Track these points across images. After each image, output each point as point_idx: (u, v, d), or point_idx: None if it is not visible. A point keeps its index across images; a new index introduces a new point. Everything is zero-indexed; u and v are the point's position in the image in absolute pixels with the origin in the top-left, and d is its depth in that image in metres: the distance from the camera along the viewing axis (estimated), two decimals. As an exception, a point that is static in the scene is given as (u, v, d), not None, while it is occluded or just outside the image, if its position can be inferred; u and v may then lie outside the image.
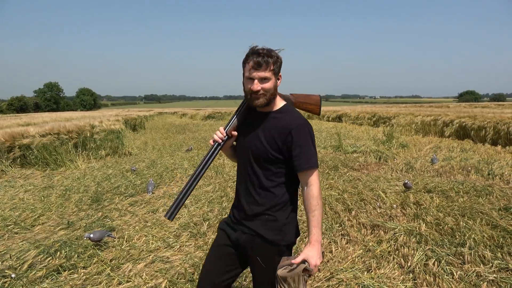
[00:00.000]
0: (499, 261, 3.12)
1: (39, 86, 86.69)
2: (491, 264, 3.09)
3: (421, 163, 7.48)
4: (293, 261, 1.60)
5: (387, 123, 15.75)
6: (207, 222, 4.33)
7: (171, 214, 1.75)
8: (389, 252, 3.45)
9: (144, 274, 3.12)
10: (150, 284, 2.95)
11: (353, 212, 4.53)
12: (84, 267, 3.27)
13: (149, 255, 3.51)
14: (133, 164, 8.46)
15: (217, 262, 1.82)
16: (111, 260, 3.42)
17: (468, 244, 3.41)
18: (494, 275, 2.92)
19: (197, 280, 1.95)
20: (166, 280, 2.99)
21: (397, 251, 3.44)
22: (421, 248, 3.39)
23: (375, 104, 57.86)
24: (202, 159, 1.80)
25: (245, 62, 1.69)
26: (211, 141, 1.82)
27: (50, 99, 75.73)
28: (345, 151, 9.23)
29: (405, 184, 5.22)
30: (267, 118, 1.75)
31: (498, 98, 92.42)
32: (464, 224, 3.85)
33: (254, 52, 1.66)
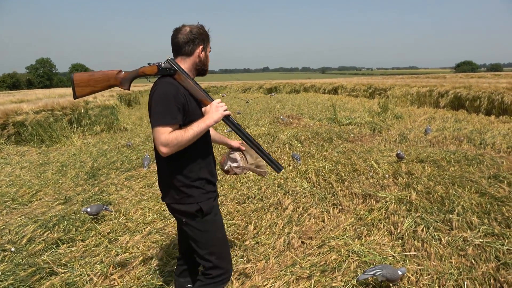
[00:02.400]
0: (485, 227, 3.21)
1: (31, 62, 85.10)
2: (477, 230, 3.18)
3: (415, 134, 7.53)
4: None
5: (383, 95, 15.73)
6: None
7: (280, 166, 2.02)
8: (379, 220, 3.54)
9: (141, 245, 3.20)
10: (147, 255, 3.03)
11: (346, 183, 4.61)
12: (82, 240, 3.35)
13: (146, 227, 3.58)
14: (129, 139, 8.48)
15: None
16: (108, 233, 3.49)
17: (456, 211, 3.50)
18: (480, 240, 3.01)
19: None
20: (162, 251, 3.07)
21: (388, 219, 3.53)
22: (410, 216, 3.49)
23: (372, 75, 57.34)
24: (242, 131, 1.93)
25: (208, 38, 1.90)
26: (228, 112, 1.87)
27: (43, 75, 74.55)
28: (340, 123, 9.26)
29: (397, 155, 5.29)
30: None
31: (495, 68, 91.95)
32: (454, 192, 3.93)
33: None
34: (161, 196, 1.96)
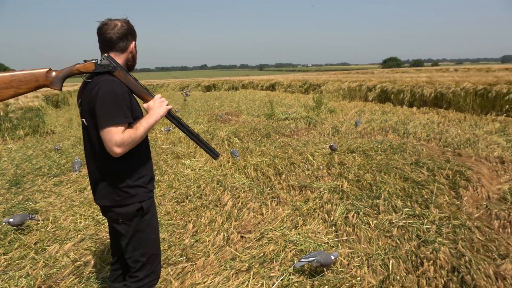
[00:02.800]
0: (408, 209, 3.50)
1: None
2: (401, 212, 3.46)
3: (346, 127, 7.95)
4: None
5: (317, 90, 16.37)
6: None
7: (217, 153, 2.08)
8: (314, 209, 3.71)
9: (72, 254, 3.04)
10: (79, 263, 2.88)
11: (283, 176, 4.74)
12: (4, 254, 3.09)
13: (78, 234, 3.40)
14: (57, 143, 7.93)
15: None
16: (35, 244, 3.26)
17: (383, 196, 3.78)
18: (404, 221, 3.28)
19: None
20: (96, 257, 2.94)
21: (322, 208, 3.71)
22: (342, 203, 3.69)
23: (307, 72, 59.30)
24: (183, 124, 1.92)
25: (136, 33, 1.85)
26: (171, 106, 1.86)
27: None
28: (278, 119, 9.48)
29: (331, 147, 5.54)
30: None
31: (417, 63, 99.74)
32: (380, 179, 4.23)
33: None
34: (96, 199, 1.87)
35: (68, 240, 3.29)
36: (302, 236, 3.14)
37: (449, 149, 5.62)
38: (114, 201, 1.79)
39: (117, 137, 1.58)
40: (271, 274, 2.61)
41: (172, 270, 2.76)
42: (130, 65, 1.86)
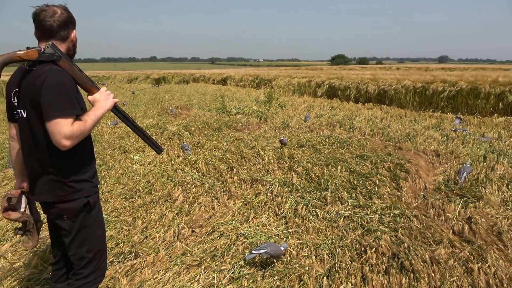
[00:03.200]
0: (353, 200, 3.68)
1: None
2: (347, 203, 3.63)
3: (296, 121, 8.14)
4: None
5: (268, 85, 16.56)
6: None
7: (160, 148, 2.07)
8: (265, 202, 3.77)
9: (10, 255, 2.85)
10: (18, 264, 2.71)
11: (235, 170, 4.77)
12: None
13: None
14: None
15: None
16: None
17: (330, 188, 3.93)
18: (349, 212, 3.45)
19: None
20: (37, 258, 2.78)
21: (272, 201, 3.79)
22: (292, 196, 3.80)
23: (258, 67, 59.72)
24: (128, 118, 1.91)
25: (75, 21, 1.78)
26: (117, 100, 1.83)
27: None
28: (229, 113, 9.48)
29: (281, 141, 5.66)
30: None
31: (362, 61, 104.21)
32: (328, 172, 4.40)
33: None
34: (34, 195, 1.77)
35: (5, 241, 3.08)
36: (253, 229, 3.19)
37: (391, 143, 5.96)
38: (58, 196, 1.71)
39: (66, 129, 1.52)
40: (222, 267, 2.63)
41: (120, 267, 2.69)
42: (70, 54, 1.79)
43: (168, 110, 9.94)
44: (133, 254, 2.88)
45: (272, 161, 5.07)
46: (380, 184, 4.01)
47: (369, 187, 3.97)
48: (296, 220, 3.35)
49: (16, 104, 1.69)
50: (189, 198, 3.95)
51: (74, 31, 1.76)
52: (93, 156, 1.88)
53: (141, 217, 3.51)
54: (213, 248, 2.91)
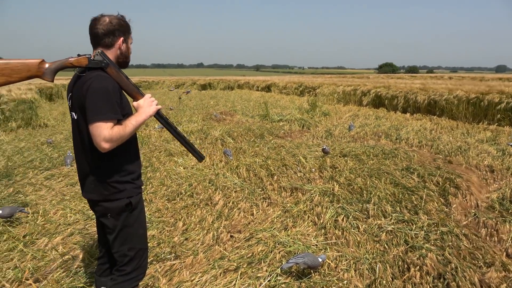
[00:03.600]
0: (397, 214, 3.54)
1: None
2: (390, 217, 3.49)
3: (340, 130, 8.00)
4: None
5: (312, 93, 16.42)
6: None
7: (201, 156, 2.09)
8: (305, 211, 3.72)
9: (61, 248, 3.02)
10: (67, 257, 2.87)
11: (275, 177, 4.76)
12: (-8, 245, 3.07)
13: (67, 228, 3.39)
14: (49, 136, 7.89)
15: None
16: (24, 236, 3.25)
17: (373, 200, 3.80)
18: (392, 226, 3.32)
19: None
20: (84, 252, 2.93)
21: (312, 210, 3.73)
22: (332, 207, 3.72)
23: (303, 74, 59.44)
24: (170, 124, 1.94)
25: (129, 29, 1.88)
26: (161, 107, 1.90)
27: None
28: (272, 120, 9.51)
29: (323, 150, 5.57)
30: None
31: (412, 70, 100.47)
32: (371, 184, 4.26)
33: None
34: (84, 193, 1.88)
35: (58, 234, 3.28)
36: (291, 238, 3.15)
37: (440, 156, 5.68)
38: (103, 195, 1.80)
39: (106, 132, 1.60)
40: (259, 275, 2.62)
41: (160, 267, 2.77)
42: (121, 62, 1.87)
43: (212, 116, 10.15)
44: (173, 254, 2.95)
45: (313, 169, 5.01)
46: (427, 199, 3.83)
47: (415, 202, 3.80)
48: (336, 232, 3.27)
49: (70, 107, 1.81)
50: (229, 203, 3.99)
51: (121, 38, 1.81)
52: (138, 159, 1.94)
53: (182, 219, 3.59)
54: (250, 254, 2.91)
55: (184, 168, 5.26)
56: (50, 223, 3.49)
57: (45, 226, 3.43)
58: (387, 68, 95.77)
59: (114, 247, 1.89)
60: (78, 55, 1.72)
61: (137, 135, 8.11)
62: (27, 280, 2.57)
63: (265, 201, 4.06)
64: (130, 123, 1.69)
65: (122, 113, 1.73)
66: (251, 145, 6.53)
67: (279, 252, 2.92)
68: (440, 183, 4.24)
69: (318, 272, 2.66)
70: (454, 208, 3.74)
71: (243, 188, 4.43)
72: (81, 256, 2.88)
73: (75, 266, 2.75)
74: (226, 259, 2.85)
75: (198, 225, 3.47)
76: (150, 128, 8.64)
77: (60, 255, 2.90)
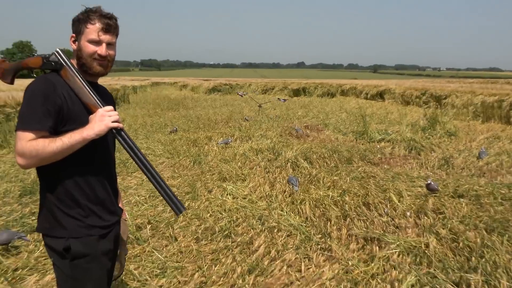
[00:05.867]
0: (518, 295, 2.95)
1: (6, 46, 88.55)
2: (506, 299, 2.93)
3: (464, 158, 7.24)
4: None
5: (435, 104, 15.35)
6: (150, 226, 4.28)
7: (179, 207, 1.84)
8: (372, 275, 3.33)
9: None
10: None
11: (348, 220, 4.41)
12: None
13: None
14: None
15: None
16: (15, 270, 3.44)
17: (481, 268, 3.24)
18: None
19: None
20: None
21: (384, 274, 3.32)
22: (415, 272, 3.26)
23: (438, 78, 56.29)
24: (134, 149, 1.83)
25: (85, 21, 1.78)
26: (118, 125, 1.77)
27: (21, 62, 77.41)
28: (370, 139, 9.08)
29: (428, 185, 5.04)
30: (99, 90, 1.86)
31: None
32: (488, 242, 3.67)
33: (100, 13, 1.78)
34: None
35: (50, 271, 3.40)
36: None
37: None
38: (43, 228, 1.80)
39: (19, 144, 1.60)
40: None
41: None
42: (79, 63, 1.82)
43: (293, 130, 10.03)
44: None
45: (408, 213, 4.53)
46: None
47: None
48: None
49: None
50: (272, 250, 3.78)
51: (73, 36, 1.83)
52: (100, 189, 1.85)
53: (203, 268, 3.48)
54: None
55: (233, 198, 5.20)
56: (46, 257, 3.66)
57: (42, 261, 3.61)
58: None
59: None
60: (33, 55, 1.76)
61: (195, 151, 8.21)
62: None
63: (323, 254, 3.75)
64: (60, 140, 1.63)
65: (71, 126, 1.70)
66: (330, 172, 6.22)
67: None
68: None
69: None
70: None
71: (301, 231, 4.18)
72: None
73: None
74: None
75: (221, 279, 3.32)
76: (213, 143, 8.85)
77: None
